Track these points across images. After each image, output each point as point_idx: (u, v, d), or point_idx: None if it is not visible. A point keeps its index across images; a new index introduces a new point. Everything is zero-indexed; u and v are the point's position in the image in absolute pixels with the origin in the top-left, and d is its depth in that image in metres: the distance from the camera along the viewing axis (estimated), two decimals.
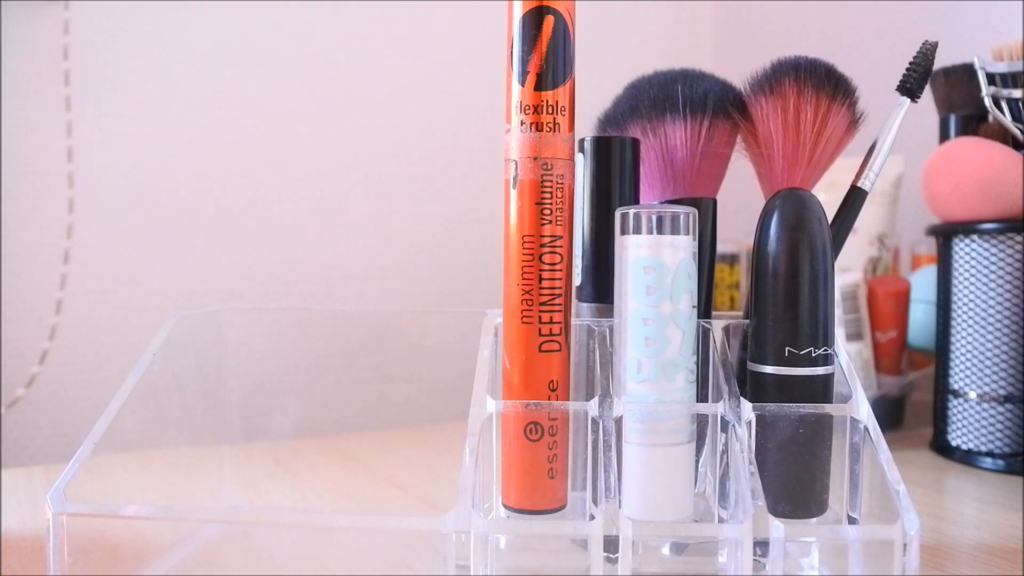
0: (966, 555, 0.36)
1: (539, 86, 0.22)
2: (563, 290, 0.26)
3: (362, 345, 0.63)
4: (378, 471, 0.51)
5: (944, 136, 0.57)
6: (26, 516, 0.42)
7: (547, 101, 0.22)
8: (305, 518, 0.31)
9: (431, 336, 0.66)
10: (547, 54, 0.22)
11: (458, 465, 0.28)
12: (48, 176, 0.66)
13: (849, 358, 0.33)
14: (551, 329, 0.26)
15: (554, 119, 0.22)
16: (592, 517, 0.27)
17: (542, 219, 0.23)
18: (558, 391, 0.29)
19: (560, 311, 0.26)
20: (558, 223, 0.24)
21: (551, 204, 0.22)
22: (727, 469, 0.31)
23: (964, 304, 0.52)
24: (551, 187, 0.23)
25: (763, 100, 0.34)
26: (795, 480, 0.32)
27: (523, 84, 0.22)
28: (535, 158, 0.22)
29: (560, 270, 0.25)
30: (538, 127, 0.22)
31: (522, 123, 0.22)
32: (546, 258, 0.23)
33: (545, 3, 0.23)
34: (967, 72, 0.53)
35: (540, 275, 0.24)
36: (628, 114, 0.37)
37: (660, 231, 0.30)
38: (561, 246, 0.25)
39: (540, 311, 0.25)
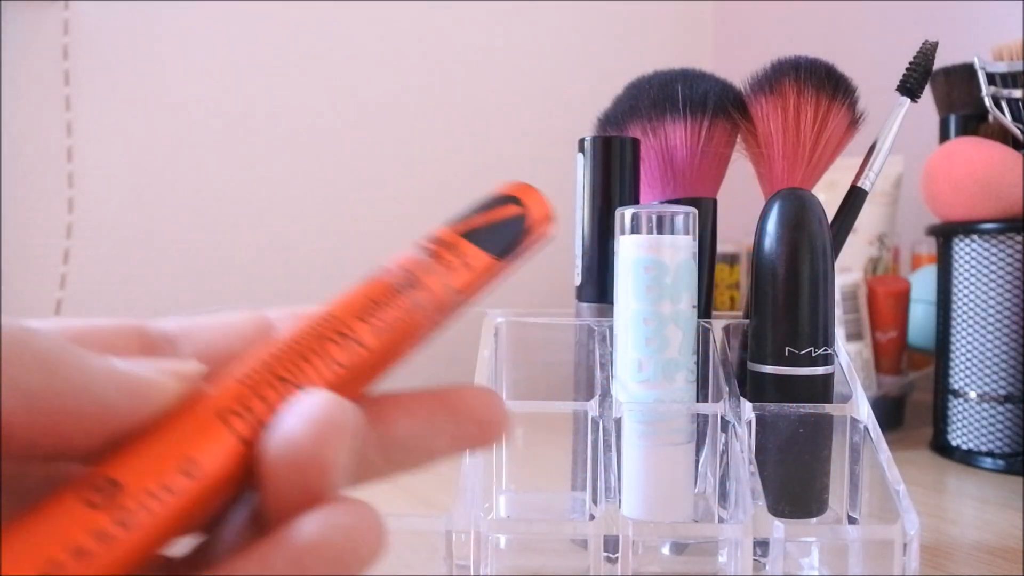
0: (966, 555, 0.36)
1: (468, 236, 0.20)
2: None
3: None
4: None
5: (944, 136, 0.57)
6: None
7: (462, 251, 0.20)
8: None
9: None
10: (489, 227, 0.21)
11: (458, 465, 0.28)
12: (48, 176, 0.66)
13: (849, 358, 0.33)
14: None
15: (457, 264, 0.20)
16: (592, 517, 0.27)
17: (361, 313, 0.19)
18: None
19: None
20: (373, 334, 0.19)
21: (380, 314, 0.19)
22: (727, 469, 0.31)
23: (964, 304, 0.51)
24: (398, 305, 0.19)
25: (763, 100, 0.34)
26: (795, 480, 0.32)
27: (451, 225, 0.20)
28: (410, 274, 0.19)
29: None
30: (436, 257, 0.19)
31: (423, 247, 0.19)
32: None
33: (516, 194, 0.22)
34: (967, 72, 0.53)
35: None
36: (628, 114, 0.37)
37: (660, 231, 0.30)
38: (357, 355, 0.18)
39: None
